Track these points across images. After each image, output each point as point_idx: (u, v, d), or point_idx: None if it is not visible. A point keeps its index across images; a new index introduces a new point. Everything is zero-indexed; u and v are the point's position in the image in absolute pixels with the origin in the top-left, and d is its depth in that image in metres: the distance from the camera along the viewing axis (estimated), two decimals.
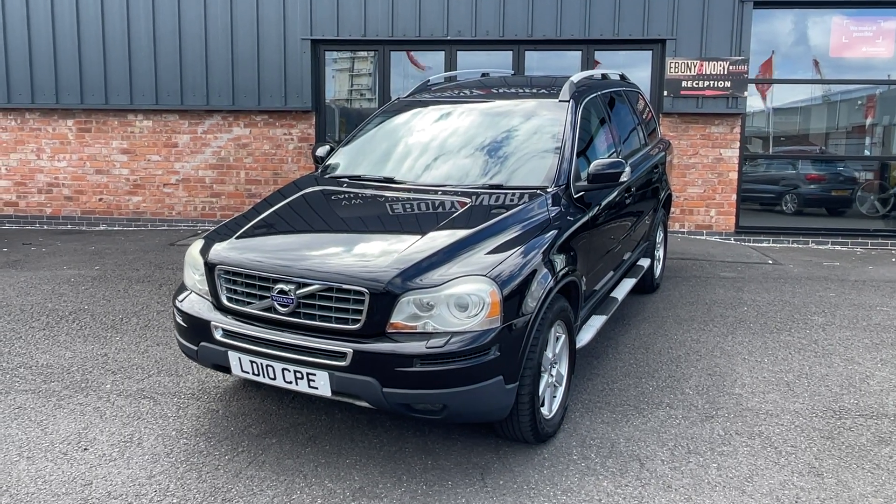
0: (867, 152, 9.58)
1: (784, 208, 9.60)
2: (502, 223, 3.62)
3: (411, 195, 4.12)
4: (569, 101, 4.63)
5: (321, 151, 5.11)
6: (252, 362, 3.34)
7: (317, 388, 3.23)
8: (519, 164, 4.38)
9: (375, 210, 4.05)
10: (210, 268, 3.56)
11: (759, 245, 8.96)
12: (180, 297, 3.75)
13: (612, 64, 8.79)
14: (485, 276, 3.19)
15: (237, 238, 3.71)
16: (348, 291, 3.18)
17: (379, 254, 3.37)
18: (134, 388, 4.29)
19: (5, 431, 3.73)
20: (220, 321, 3.47)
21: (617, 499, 3.16)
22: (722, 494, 3.20)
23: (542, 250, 3.52)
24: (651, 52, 8.92)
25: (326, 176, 4.70)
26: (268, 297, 3.33)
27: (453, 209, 3.82)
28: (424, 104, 5.11)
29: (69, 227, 9.88)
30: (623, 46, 8.97)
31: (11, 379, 4.41)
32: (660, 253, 6.62)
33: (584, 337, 4.17)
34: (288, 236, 3.87)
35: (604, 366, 4.68)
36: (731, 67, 8.60)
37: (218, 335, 3.46)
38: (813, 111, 9.50)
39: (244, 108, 9.30)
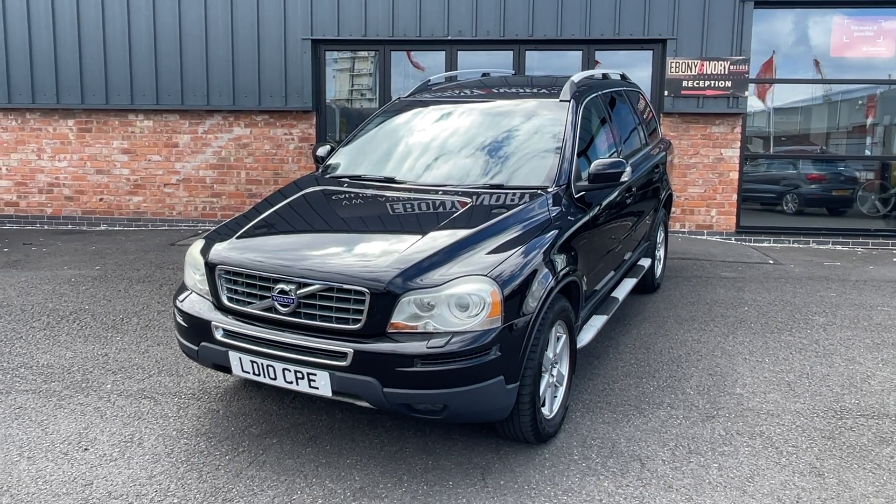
0: (868, 152, 9.58)
1: (785, 208, 9.59)
2: (503, 223, 3.62)
3: (412, 195, 4.12)
4: (569, 101, 4.63)
5: (322, 151, 5.10)
6: (253, 362, 3.34)
7: (317, 389, 3.23)
8: (520, 164, 4.37)
9: (376, 210, 4.05)
10: (211, 268, 3.55)
11: (760, 245, 8.96)
12: (181, 297, 3.75)
13: (612, 64, 8.79)
14: (485, 276, 3.18)
15: (238, 238, 3.71)
16: (349, 291, 3.18)
17: (379, 254, 3.37)
18: (134, 388, 4.29)
19: (6, 431, 3.73)
20: (220, 321, 3.46)
21: (618, 499, 3.15)
22: (723, 494, 3.19)
23: (542, 250, 3.51)
24: (652, 51, 8.92)
25: (327, 176, 4.70)
26: (268, 297, 3.33)
27: (454, 209, 3.82)
28: (425, 104, 5.11)
29: (70, 227, 9.89)
30: (624, 46, 8.97)
31: (12, 379, 4.41)
32: (660, 253, 6.62)
33: (585, 337, 4.17)
34: (289, 236, 3.87)
35: (605, 366, 4.68)
36: (731, 67, 8.60)
37: (218, 335, 3.45)
38: (814, 111, 9.50)
39: (245, 108, 9.31)
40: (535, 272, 3.40)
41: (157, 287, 6.53)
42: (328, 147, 5.14)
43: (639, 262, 5.84)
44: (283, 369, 3.27)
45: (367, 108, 9.65)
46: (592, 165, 4.18)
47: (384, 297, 3.13)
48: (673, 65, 8.67)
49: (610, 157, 4.92)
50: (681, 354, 4.90)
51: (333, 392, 3.21)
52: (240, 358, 3.38)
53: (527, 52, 9.09)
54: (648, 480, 3.30)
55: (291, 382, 3.28)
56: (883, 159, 9.42)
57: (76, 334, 5.23)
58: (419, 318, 3.14)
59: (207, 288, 3.60)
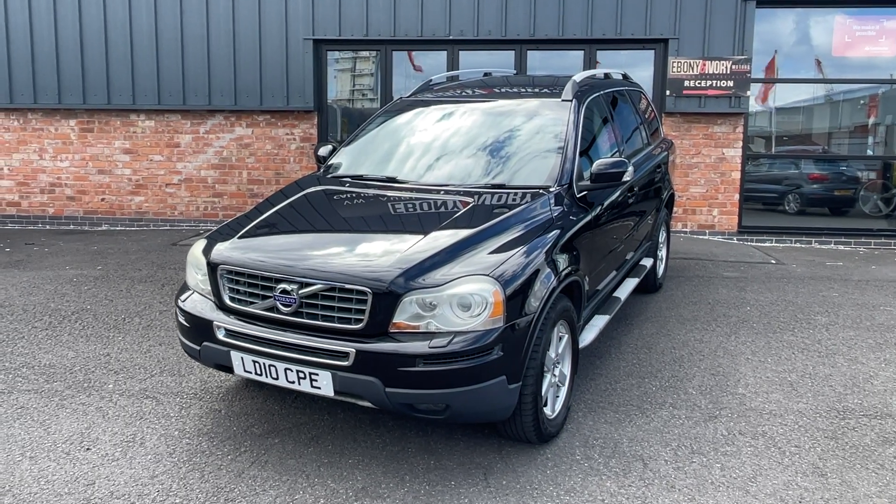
0: (870, 152, 9.56)
1: (787, 208, 9.58)
2: (505, 223, 3.62)
3: (414, 195, 4.12)
4: (571, 101, 4.63)
5: (323, 151, 5.11)
6: (255, 362, 3.34)
7: (319, 388, 3.22)
8: (521, 164, 4.37)
9: (378, 210, 4.05)
10: (213, 268, 3.55)
11: (762, 245, 8.95)
12: (183, 297, 3.75)
13: (614, 63, 8.78)
14: (487, 275, 3.18)
15: (239, 238, 3.71)
16: (351, 291, 3.17)
17: (381, 253, 3.37)
18: (136, 387, 4.29)
19: (8, 431, 3.73)
20: (222, 321, 3.46)
21: (620, 499, 3.15)
22: (725, 495, 3.19)
23: (544, 250, 3.51)
24: (653, 51, 8.91)
25: (329, 176, 4.70)
26: (270, 297, 3.33)
27: (456, 209, 3.82)
28: (427, 104, 5.11)
29: (71, 227, 9.89)
30: (625, 46, 8.96)
31: (14, 379, 4.41)
32: (662, 252, 6.61)
33: (587, 337, 4.17)
34: (290, 236, 3.87)
35: (607, 366, 4.67)
36: (733, 67, 8.59)
37: (220, 335, 3.45)
38: (815, 111, 9.48)
39: (246, 108, 9.31)
40: (537, 272, 3.39)
41: (159, 287, 6.53)
42: (330, 147, 5.14)
43: (641, 262, 5.84)
44: (285, 369, 3.27)
45: (368, 108, 9.66)
46: (594, 165, 4.17)
47: (386, 296, 3.13)
48: (675, 64, 8.66)
49: (612, 156, 4.92)
50: (683, 354, 4.90)
51: (335, 392, 3.20)
52: (242, 358, 3.38)
53: (528, 51, 9.09)
54: (651, 480, 3.30)
55: (293, 382, 3.28)
56: (885, 159, 9.40)
57: (78, 334, 5.23)
58: (421, 318, 3.14)
59: (209, 288, 3.60)
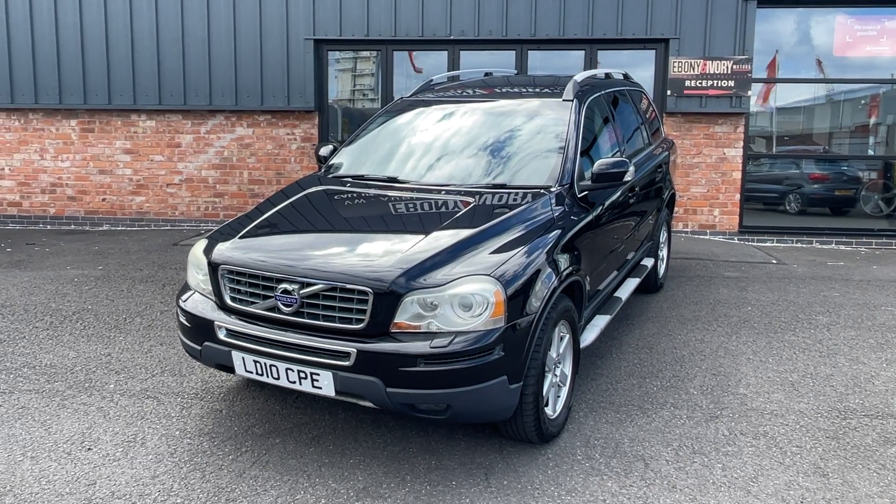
0: (871, 152, 9.56)
1: (788, 208, 9.58)
2: (506, 223, 3.62)
3: (415, 195, 4.11)
4: (572, 101, 4.62)
5: (324, 151, 5.11)
6: (256, 362, 3.34)
7: (320, 388, 3.22)
8: (522, 164, 4.37)
9: (379, 210, 4.05)
10: (214, 267, 3.55)
11: (763, 245, 8.94)
12: (184, 297, 3.75)
13: (615, 63, 8.78)
14: (489, 275, 3.18)
15: (241, 238, 3.71)
16: (352, 291, 3.17)
17: (382, 253, 3.37)
18: (137, 387, 4.29)
19: (9, 431, 3.73)
20: (223, 321, 3.46)
21: (621, 499, 3.15)
22: (727, 495, 3.19)
23: (545, 250, 3.51)
24: (654, 51, 8.91)
25: (330, 175, 4.69)
26: (271, 297, 3.33)
27: (457, 209, 3.82)
28: (427, 104, 5.11)
29: (72, 227, 9.90)
30: (626, 46, 8.96)
31: (15, 379, 4.41)
32: (663, 252, 6.61)
33: (588, 337, 4.16)
34: (291, 236, 3.87)
35: (608, 366, 4.67)
36: (734, 67, 8.58)
37: (221, 335, 3.45)
38: (816, 110, 9.48)
39: (247, 108, 9.31)
40: (538, 272, 3.39)
41: (160, 287, 6.53)
42: (331, 147, 5.14)
43: (642, 262, 5.83)
44: (287, 369, 3.27)
45: (369, 108, 9.66)
46: (595, 165, 4.17)
47: (387, 296, 3.13)
48: (676, 64, 8.66)
49: (613, 156, 4.92)
50: (684, 354, 4.89)
51: (337, 392, 3.20)
52: (243, 358, 3.38)
53: (529, 51, 9.08)
54: (652, 480, 3.30)
55: (295, 382, 3.28)
56: (886, 159, 9.40)
57: (79, 334, 5.23)
58: (422, 318, 3.13)
59: (210, 288, 3.60)
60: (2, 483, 3.24)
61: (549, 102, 4.73)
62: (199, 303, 3.64)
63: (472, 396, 3.11)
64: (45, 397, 4.15)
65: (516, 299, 3.22)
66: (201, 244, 3.81)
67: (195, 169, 9.64)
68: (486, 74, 6.38)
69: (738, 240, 9.05)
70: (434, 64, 9.32)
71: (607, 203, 4.46)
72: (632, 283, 5.30)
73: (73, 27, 9.32)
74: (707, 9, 8.59)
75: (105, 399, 4.13)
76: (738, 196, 9.01)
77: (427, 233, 3.50)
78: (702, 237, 9.04)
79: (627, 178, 4.20)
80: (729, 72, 8.59)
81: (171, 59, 9.25)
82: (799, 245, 9.03)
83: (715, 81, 8.63)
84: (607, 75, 5.80)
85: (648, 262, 5.92)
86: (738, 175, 8.95)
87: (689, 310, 5.92)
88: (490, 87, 5.42)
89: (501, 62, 9.05)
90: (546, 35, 8.81)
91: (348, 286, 3.17)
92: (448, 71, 8.93)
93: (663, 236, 6.51)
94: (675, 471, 3.38)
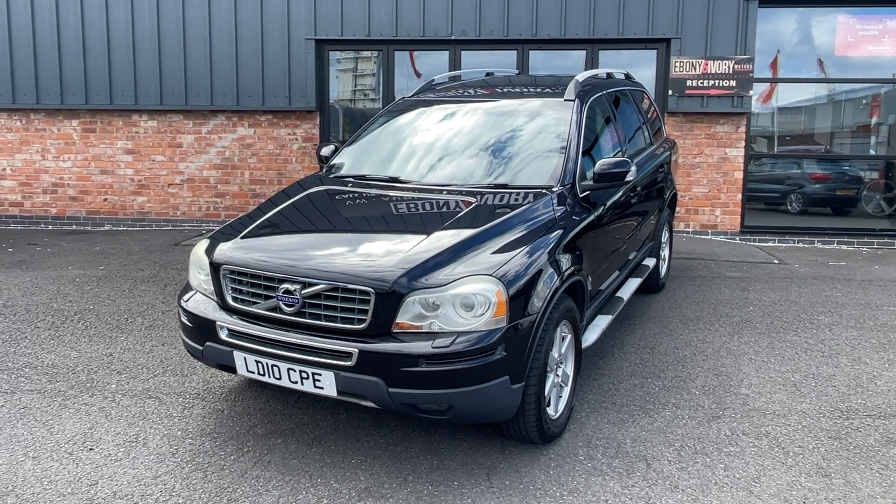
0: (872, 151, 9.55)
1: (789, 208, 9.57)
2: (508, 223, 3.61)
3: (416, 195, 4.11)
4: (574, 101, 4.62)
5: (326, 151, 5.11)
6: (257, 362, 3.34)
7: (322, 388, 3.22)
8: (524, 164, 4.37)
9: (380, 210, 4.04)
10: (215, 268, 3.55)
11: (765, 245, 8.94)
12: (185, 297, 3.75)
13: (616, 63, 8.77)
14: (490, 275, 3.18)
15: (242, 238, 3.71)
16: (354, 291, 3.17)
17: (384, 253, 3.37)
18: (139, 388, 4.29)
19: (11, 431, 3.73)
20: (225, 321, 3.46)
21: (623, 499, 3.14)
22: (729, 495, 3.18)
23: (547, 250, 3.51)
24: (656, 51, 8.91)
25: (331, 175, 4.69)
26: (273, 297, 3.33)
27: (458, 209, 3.81)
28: (429, 104, 5.10)
29: (74, 227, 9.90)
30: (628, 45, 8.95)
31: (17, 379, 4.41)
32: (665, 252, 6.60)
33: (590, 337, 4.16)
34: (293, 236, 3.86)
35: (609, 366, 4.67)
36: (735, 66, 8.58)
37: (223, 335, 3.45)
38: (818, 110, 9.47)
39: (248, 109, 9.31)
40: (540, 272, 3.39)
41: (162, 287, 6.54)
42: (332, 147, 5.14)
43: (643, 262, 5.83)
44: (288, 369, 3.26)
45: (370, 108, 9.66)
46: (597, 165, 4.17)
47: (389, 296, 3.12)
48: (677, 64, 8.65)
49: (614, 156, 4.91)
50: (686, 354, 4.89)
51: (338, 392, 3.20)
52: (244, 358, 3.38)
53: (530, 51, 9.08)
54: (654, 481, 3.29)
55: (296, 382, 3.28)
56: (887, 158, 9.39)
57: (81, 334, 5.23)
58: (424, 318, 3.13)
59: (212, 288, 3.59)
60: (4, 483, 3.25)
61: (551, 102, 4.73)
62: (201, 303, 3.64)
63: (474, 396, 3.11)
64: (46, 397, 4.15)
65: (518, 299, 3.22)
66: (203, 244, 3.80)
67: (196, 169, 9.64)
68: (488, 74, 6.38)
69: (740, 240, 9.04)
70: (435, 64, 9.32)
71: (609, 203, 4.45)
72: (633, 284, 5.30)
73: (74, 28, 9.33)
74: (708, 8, 8.58)
75: (107, 399, 4.13)
76: (739, 196, 9.00)
77: (429, 233, 3.50)
78: (703, 237, 9.03)
79: (629, 178, 4.20)
80: (730, 71, 8.59)
81: (172, 59, 9.26)
82: (801, 245, 9.02)
83: (716, 81, 8.62)
84: (609, 75, 5.80)
85: (650, 262, 5.91)
86: (739, 175, 8.95)
87: (691, 310, 5.92)
88: (491, 87, 5.42)
89: (502, 62, 9.05)
90: (547, 35, 8.81)
91: (350, 286, 3.17)
92: (449, 71, 8.93)
93: (665, 236, 6.50)
94: (677, 471, 3.38)
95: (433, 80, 5.84)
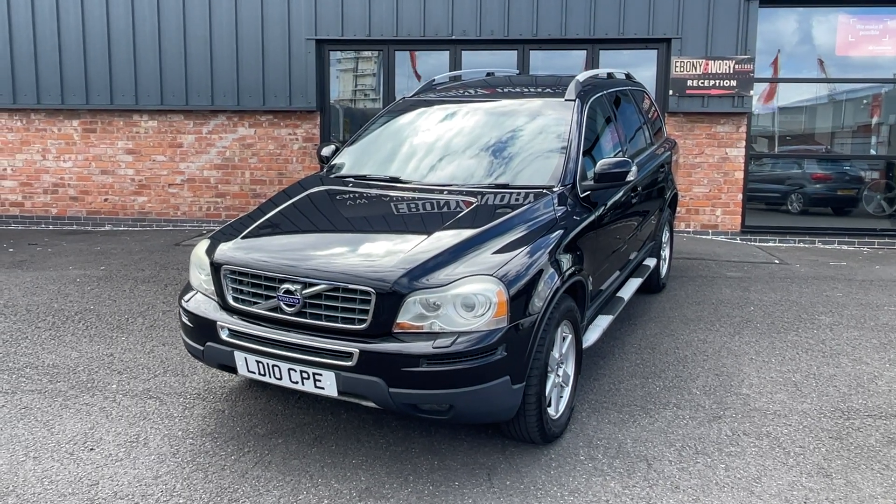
0: (873, 151, 9.54)
1: (790, 208, 9.56)
2: (508, 223, 3.61)
3: (417, 195, 4.11)
4: (574, 101, 4.62)
5: (326, 151, 5.11)
6: (258, 362, 3.34)
7: (323, 389, 3.22)
8: (525, 164, 4.37)
9: (381, 210, 4.04)
10: (216, 268, 3.55)
11: (766, 245, 8.93)
12: (186, 297, 3.75)
13: (617, 63, 8.77)
14: (491, 275, 3.17)
15: (243, 238, 3.71)
16: (354, 291, 3.17)
17: (385, 254, 3.36)
18: (140, 388, 4.29)
19: (11, 431, 3.73)
20: (226, 321, 3.46)
21: (624, 499, 3.14)
22: (730, 495, 3.18)
23: (548, 250, 3.50)
24: (656, 51, 8.90)
25: (332, 176, 4.69)
26: (274, 297, 3.33)
27: (459, 209, 3.81)
28: (429, 104, 5.10)
29: (74, 227, 9.90)
30: (628, 45, 8.95)
31: (18, 379, 4.41)
32: (666, 252, 6.60)
33: (591, 337, 4.15)
34: (293, 236, 3.86)
35: (610, 366, 4.66)
36: (736, 66, 8.57)
37: (224, 335, 3.45)
38: (819, 110, 9.47)
39: (249, 109, 9.31)
40: (540, 272, 3.38)
41: (162, 287, 6.54)
42: (333, 147, 5.14)
43: (644, 262, 5.83)
44: (289, 369, 3.26)
45: (370, 108, 9.66)
46: (598, 165, 4.16)
47: (390, 296, 3.12)
48: (678, 64, 8.65)
49: (615, 156, 4.91)
50: (687, 354, 4.89)
51: (339, 392, 3.20)
52: (245, 358, 3.38)
53: (531, 51, 9.08)
54: (655, 481, 3.29)
55: (297, 382, 3.28)
56: (888, 158, 9.39)
57: (81, 334, 5.23)
58: (425, 318, 3.13)
59: (213, 288, 3.59)
60: (4, 483, 3.25)
61: (552, 102, 4.73)
62: (202, 303, 3.64)
63: (475, 397, 3.11)
64: (47, 397, 4.15)
65: (519, 299, 3.22)
66: (203, 244, 3.80)
67: (197, 169, 9.64)
68: (488, 74, 6.38)
69: (741, 240, 9.04)
70: (436, 64, 9.32)
71: (610, 203, 4.45)
72: (634, 284, 5.30)
73: (74, 28, 9.33)
74: (709, 8, 8.58)
75: (107, 399, 4.13)
76: (740, 196, 9.00)
77: (429, 233, 3.50)
78: (704, 237, 9.03)
79: (630, 178, 4.19)
80: (731, 71, 8.58)
81: (172, 59, 9.26)
82: (801, 245, 9.01)
83: (717, 81, 8.62)
84: (609, 75, 5.79)
85: (651, 262, 5.91)
86: (740, 175, 8.95)
87: (692, 310, 5.91)
88: (492, 87, 5.42)
89: (503, 62, 9.05)
90: (548, 35, 8.81)
91: (351, 286, 3.17)
92: (450, 71, 8.93)
93: (665, 236, 6.50)
94: (678, 471, 3.38)
95: (434, 80, 5.84)
